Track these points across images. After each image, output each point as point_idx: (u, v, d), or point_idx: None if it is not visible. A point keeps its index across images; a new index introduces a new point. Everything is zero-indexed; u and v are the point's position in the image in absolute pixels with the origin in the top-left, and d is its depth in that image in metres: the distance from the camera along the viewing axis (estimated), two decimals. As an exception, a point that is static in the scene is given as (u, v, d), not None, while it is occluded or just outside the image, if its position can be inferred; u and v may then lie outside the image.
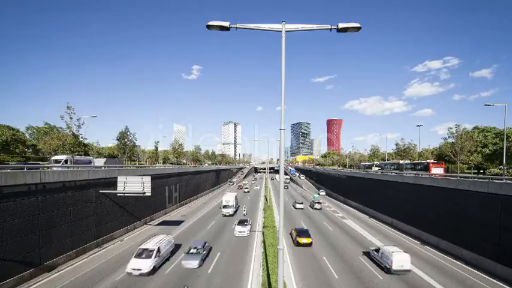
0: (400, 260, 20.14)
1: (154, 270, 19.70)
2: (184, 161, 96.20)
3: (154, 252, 20.06)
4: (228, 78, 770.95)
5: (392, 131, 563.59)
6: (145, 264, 19.09)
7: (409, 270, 20.39)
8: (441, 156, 63.83)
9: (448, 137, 42.64)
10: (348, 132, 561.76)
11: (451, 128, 40.90)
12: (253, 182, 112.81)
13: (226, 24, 9.45)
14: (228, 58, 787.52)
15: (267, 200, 53.04)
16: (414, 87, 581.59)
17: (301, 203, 49.97)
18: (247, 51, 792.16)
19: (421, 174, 35.08)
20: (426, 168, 41.24)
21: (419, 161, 50.69)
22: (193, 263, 20.57)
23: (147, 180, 27.51)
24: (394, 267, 19.98)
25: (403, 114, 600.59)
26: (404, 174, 37.90)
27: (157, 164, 75.91)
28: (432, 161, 48.77)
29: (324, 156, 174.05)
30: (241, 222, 31.30)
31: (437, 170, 38.53)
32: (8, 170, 18.15)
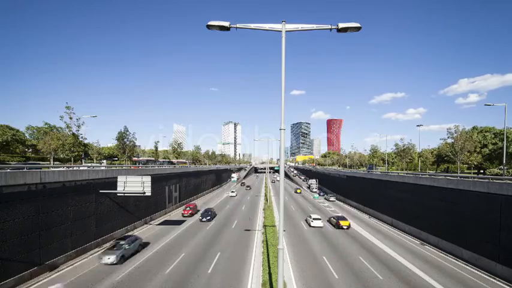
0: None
1: None
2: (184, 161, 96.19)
3: None
4: (228, 78, 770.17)
5: (393, 133, 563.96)
6: None
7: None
8: (440, 156, 63.83)
9: (448, 137, 42.62)
10: (348, 132, 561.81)
11: (450, 129, 40.93)
12: (256, 178, 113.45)
13: (226, 24, 9.44)
14: (228, 58, 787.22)
15: (267, 200, 53.04)
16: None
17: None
18: (247, 51, 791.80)
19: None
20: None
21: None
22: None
23: (147, 180, 27.49)
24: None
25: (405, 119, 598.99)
26: (405, 175, 37.90)
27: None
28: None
29: (324, 156, 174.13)
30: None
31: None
32: (8, 170, 18.12)
